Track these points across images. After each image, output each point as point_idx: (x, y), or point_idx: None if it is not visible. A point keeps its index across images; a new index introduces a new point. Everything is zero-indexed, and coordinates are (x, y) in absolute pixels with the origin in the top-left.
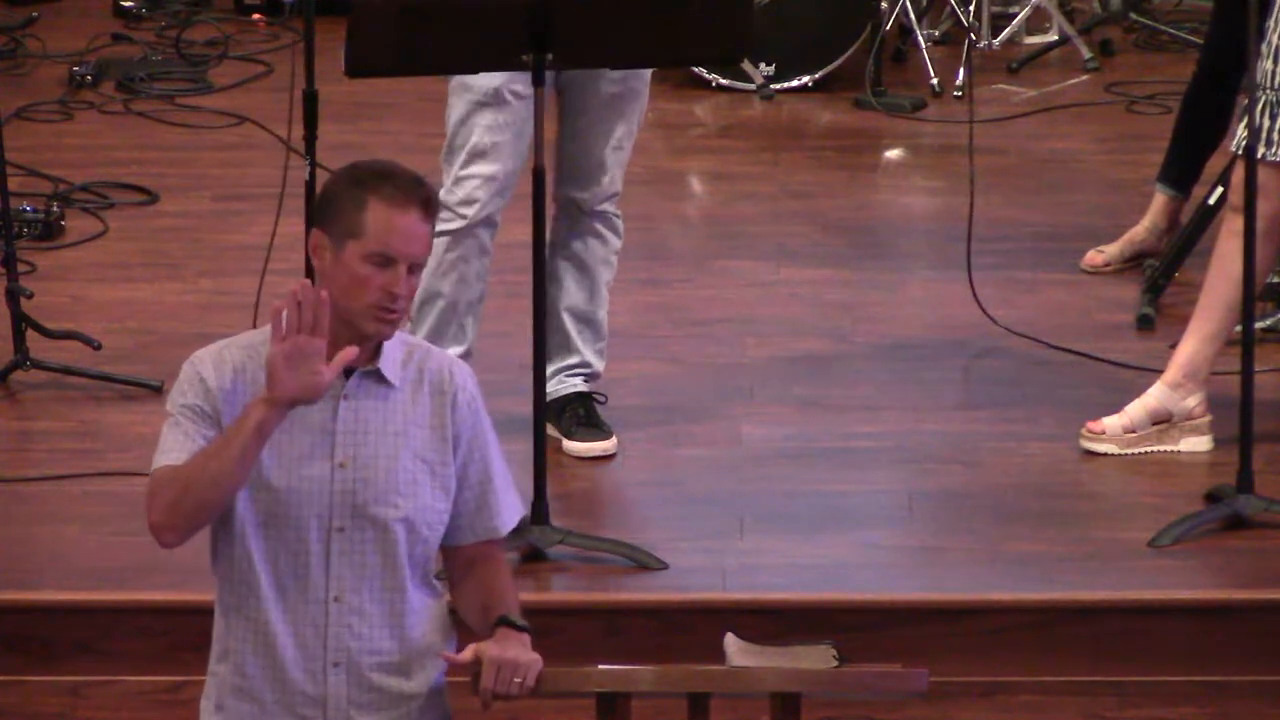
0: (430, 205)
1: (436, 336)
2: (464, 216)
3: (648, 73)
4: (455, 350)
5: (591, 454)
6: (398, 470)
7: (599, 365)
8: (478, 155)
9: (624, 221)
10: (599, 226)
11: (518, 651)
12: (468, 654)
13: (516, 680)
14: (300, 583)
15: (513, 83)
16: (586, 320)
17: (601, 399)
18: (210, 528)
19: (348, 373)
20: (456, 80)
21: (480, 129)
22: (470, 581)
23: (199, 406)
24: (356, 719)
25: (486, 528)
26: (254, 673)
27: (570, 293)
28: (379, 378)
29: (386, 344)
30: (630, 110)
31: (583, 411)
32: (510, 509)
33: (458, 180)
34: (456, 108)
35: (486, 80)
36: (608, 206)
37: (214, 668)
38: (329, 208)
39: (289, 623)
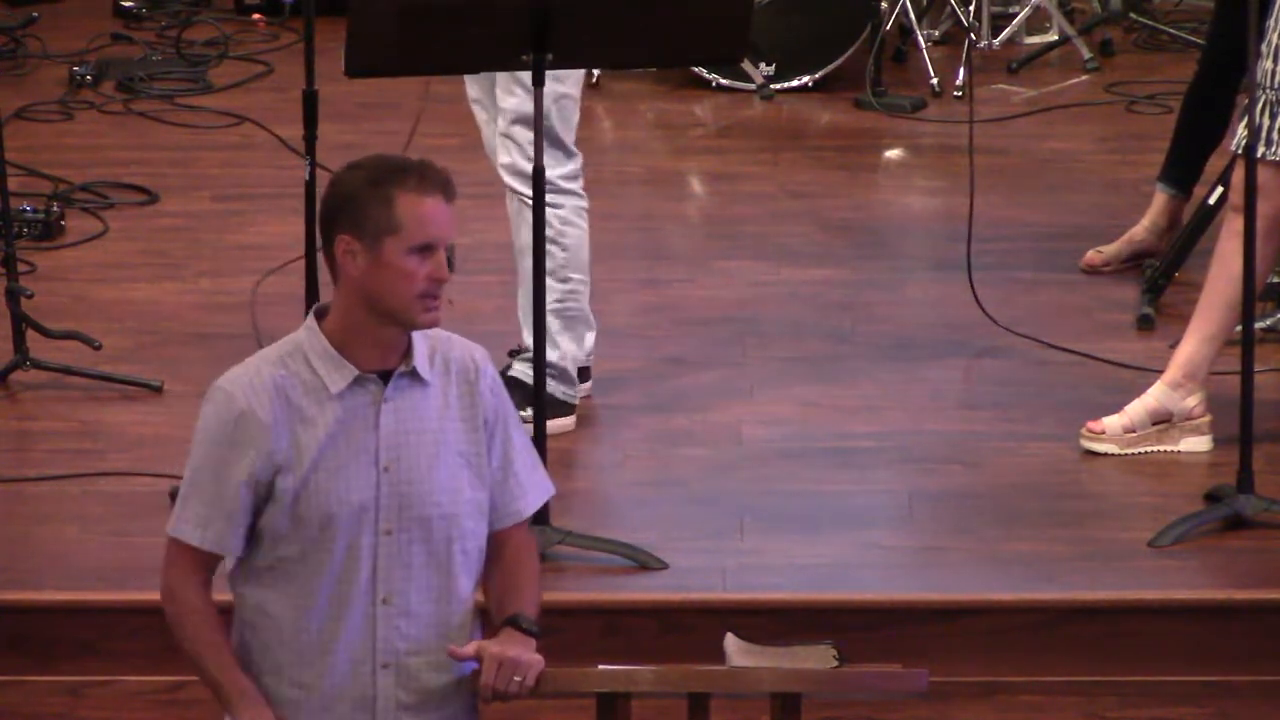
0: (448, 185)
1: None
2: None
3: None
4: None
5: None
6: (440, 469)
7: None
8: (474, 103)
9: (588, 219)
10: (509, 196)
11: (519, 651)
12: (470, 649)
13: (516, 679)
14: (349, 586)
15: None
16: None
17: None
18: (246, 539)
19: (385, 376)
20: None
21: (468, 80)
22: (497, 568)
23: (234, 460)
24: None
25: (510, 510)
26: (306, 680)
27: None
28: (414, 376)
29: (415, 340)
30: (510, 83)
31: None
32: (536, 489)
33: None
34: None
35: None
36: (511, 180)
37: (261, 680)
38: (351, 211)
39: (340, 628)
